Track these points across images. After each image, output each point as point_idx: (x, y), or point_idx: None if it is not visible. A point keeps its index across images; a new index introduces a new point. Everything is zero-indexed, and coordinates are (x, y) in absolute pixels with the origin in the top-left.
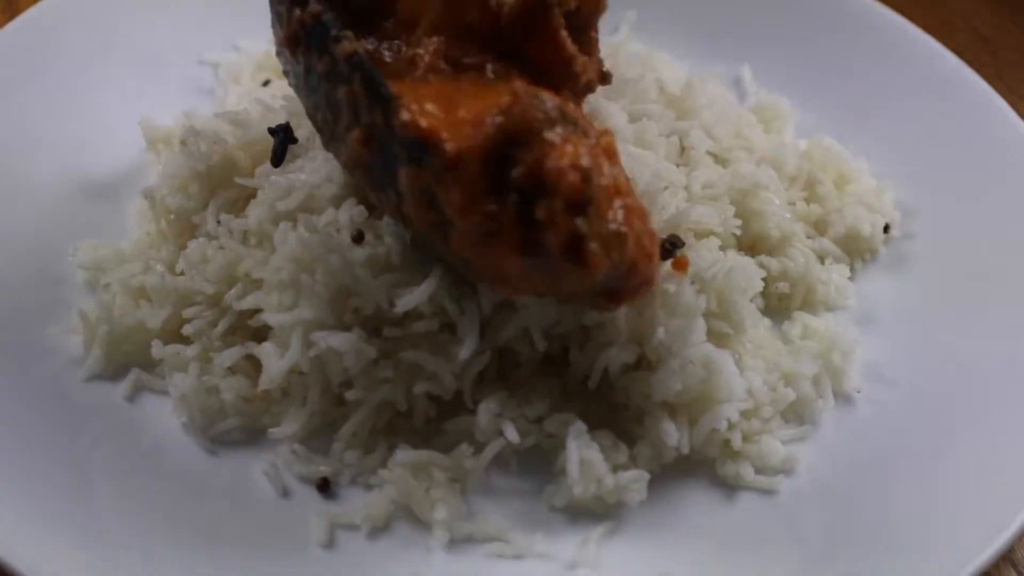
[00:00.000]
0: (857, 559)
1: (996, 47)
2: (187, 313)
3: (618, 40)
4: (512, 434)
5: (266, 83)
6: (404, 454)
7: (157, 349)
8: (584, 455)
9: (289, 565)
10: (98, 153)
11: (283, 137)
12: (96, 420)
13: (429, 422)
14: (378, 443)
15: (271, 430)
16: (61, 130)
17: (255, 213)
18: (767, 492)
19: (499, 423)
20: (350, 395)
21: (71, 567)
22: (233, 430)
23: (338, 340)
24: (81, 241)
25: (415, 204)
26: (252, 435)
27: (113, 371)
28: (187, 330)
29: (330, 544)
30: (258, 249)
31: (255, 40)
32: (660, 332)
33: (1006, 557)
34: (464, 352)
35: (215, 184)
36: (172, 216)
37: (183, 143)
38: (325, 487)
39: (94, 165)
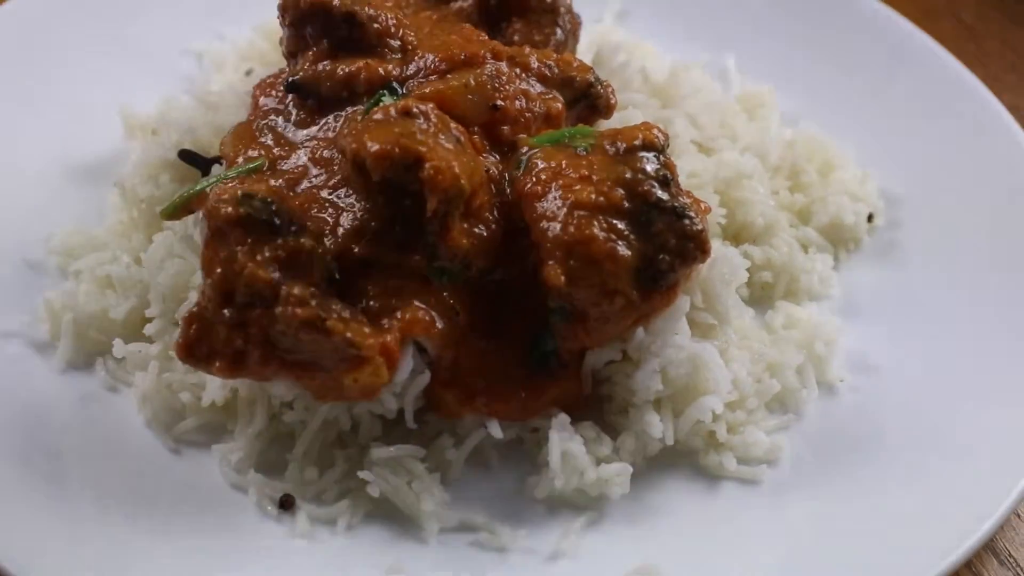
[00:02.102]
0: (840, 548)
1: (979, 36)
2: (149, 312)
3: (602, 29)
4: (496, 430)
5: (249, 72)
6: (379, 451)
7: (119, 348)
8: (566, 448)
9: (271, 559)
10: (82, 140)
11: (200, 160)
12: (67, 408)
13: (376, 439)
14: (336, 459)
15: (220, 454)
16: (45, 117)
17: (198, 231)
18: (750, 482)
19: (482, 417)
20: (288, 417)
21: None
22: (193, 429)
23: None
24: (57, 227)
25: None
26: (217, 432)
27: (84, 359)
28: (148, 330)
29: (311, 538)
30: None
31: (239, 29)
32: (640, 331)
33: (988, 546)
34: (401, 373)
35: (185, 173)
36: (143, 205)
37: (154, 132)
38: (289, 505)
39: (77, 151)
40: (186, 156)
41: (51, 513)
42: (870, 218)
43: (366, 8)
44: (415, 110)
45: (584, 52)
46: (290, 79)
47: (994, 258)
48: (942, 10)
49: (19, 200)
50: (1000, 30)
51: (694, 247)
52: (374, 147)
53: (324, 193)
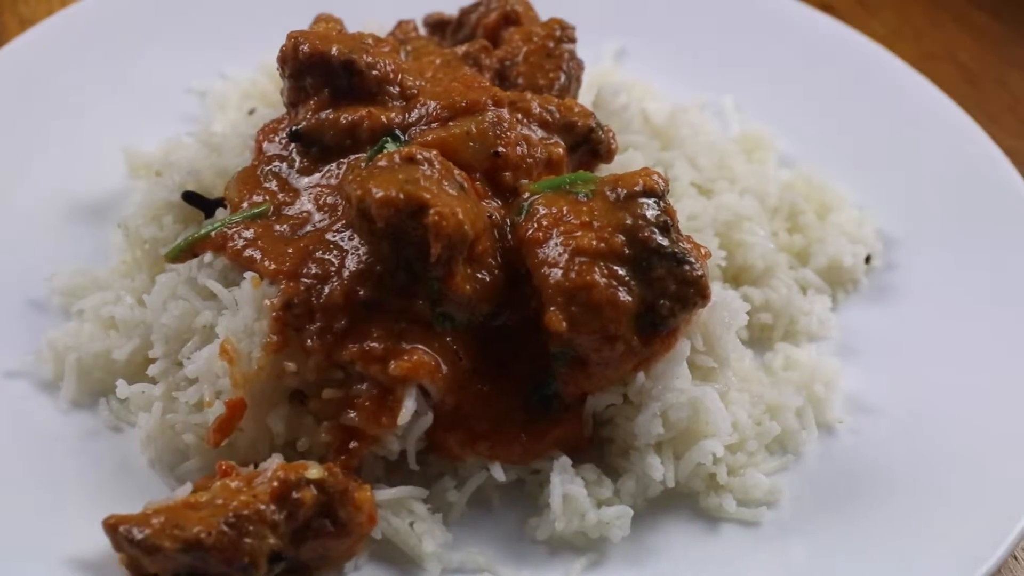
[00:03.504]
0: None
1: (977, 79)
2: (152, 353)
3: (602, 69)
4: (498, 473)
5: (252, 111)
6: (381, 493)
7: (122, 388)
8: (568, 490)
9: None
10: (85, 179)
11: (204, 203)
12: (70, 447)
13: (378, 479)
14: None
15: None
16: (49, 156)
17: (202, 274)
18: (750, 524)
19: (484, 459)
20: (301, 445)
21: None
22: (197, 470)
23: None
24: (60, 266)
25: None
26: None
27: (88, 399)
28: (152, 371)
29: None
30: (214, 301)
31: (242, 68)
32: (640, 375)
33: None
34: (403, 416)
35: (188, 215)
36: (147, 246)
37: (157, 173)
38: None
39: (81, 190)
40: (190, 198)
41: (53, 554)
42: (868, 259)
43: (364, 56)
44: (419, 157)
45: (584, 92)
46: (293, 128)
47: (991, 299)
48: (940, 53)
49: (23, 239)
50: (998, 73)
51: (694, 293)
52: (378, 193)
53: (329, 235)
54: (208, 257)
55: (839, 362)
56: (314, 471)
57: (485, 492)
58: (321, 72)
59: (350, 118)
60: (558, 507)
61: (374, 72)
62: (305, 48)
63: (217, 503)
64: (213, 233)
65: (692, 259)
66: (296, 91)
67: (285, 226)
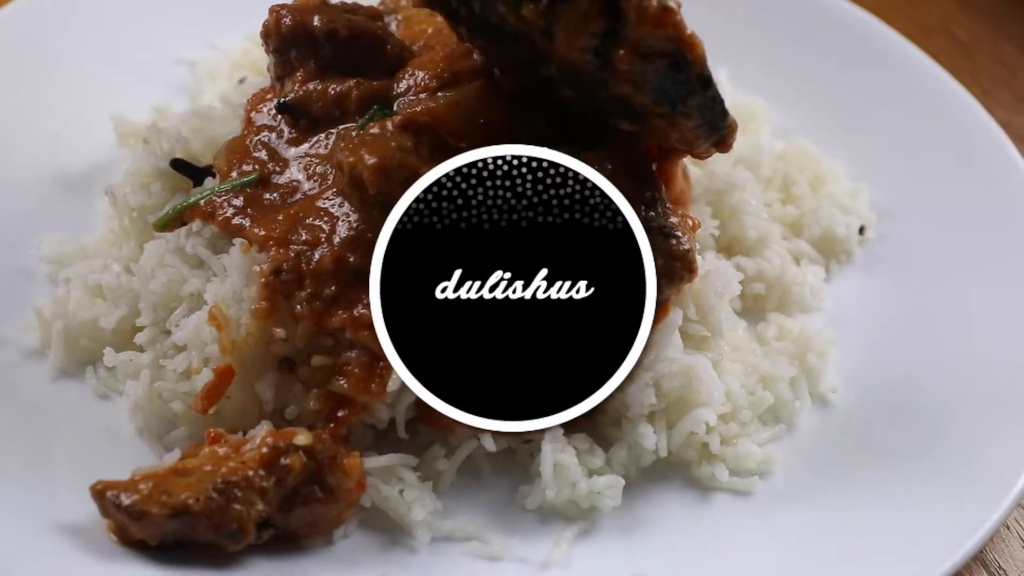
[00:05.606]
0: (830, 560)
1: (972, 52)
2: (140, 321)
3: None
4: (489, 443)
5: (242, 81)
6: (371, 461)
7: (110, 357)
8: (559, 459)
9: (257, 567)
10: (74, 148)
11: (193, 170)
12: (58, 416)
13: (367, 448)
14: None
15: None
16: (37, 125)
17: (190, 242)
18: (742, 494)
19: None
20: (289, 412)
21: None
22: (185, 438)
23: None
24: (47, 234)
25: None
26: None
27: (75, 367)
28: (139, 339)
29: (303, 547)
30: (202, 269)
31: (232, 38)
32: None
33: (978, 558)
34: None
35: (177, 183)
36: (134, 214)
37: (145, 141)
38: None
39: (69, 159)
40: (178, 165)
41: (40, 521)
42: (861, 230)
43: (348, 27)
44: (411, 125)
45: None
46: (281, 100)
47: (984, 270)
48: (935, 26)
49: (10, 207)
50: (992, 47)
51: (681, 267)
52: (371, 160)
53: (319, 203)
54: (196, 225)
55: (832, 332)
56: (303, 437)
57: (475, 461)
58: (305, 44)
59: (338, 89)
60: (549, 476)
61: (359, 42)
62: (287, 21)
63: (205, 469)
64: (202, 201)
65: (679, 233)
66: (282, 65)
67: (275, 194)
